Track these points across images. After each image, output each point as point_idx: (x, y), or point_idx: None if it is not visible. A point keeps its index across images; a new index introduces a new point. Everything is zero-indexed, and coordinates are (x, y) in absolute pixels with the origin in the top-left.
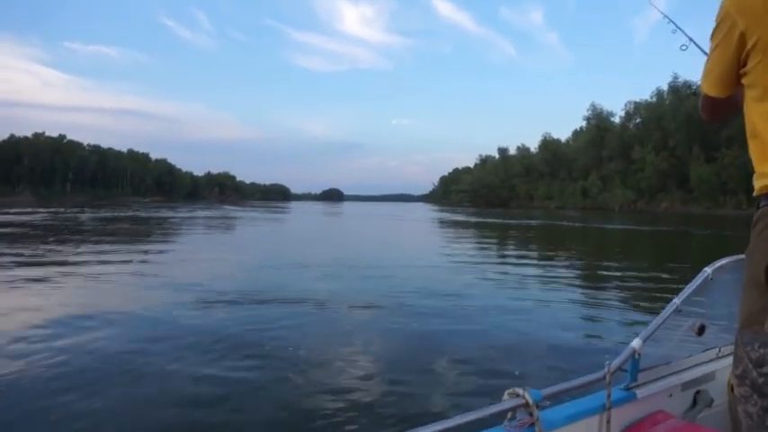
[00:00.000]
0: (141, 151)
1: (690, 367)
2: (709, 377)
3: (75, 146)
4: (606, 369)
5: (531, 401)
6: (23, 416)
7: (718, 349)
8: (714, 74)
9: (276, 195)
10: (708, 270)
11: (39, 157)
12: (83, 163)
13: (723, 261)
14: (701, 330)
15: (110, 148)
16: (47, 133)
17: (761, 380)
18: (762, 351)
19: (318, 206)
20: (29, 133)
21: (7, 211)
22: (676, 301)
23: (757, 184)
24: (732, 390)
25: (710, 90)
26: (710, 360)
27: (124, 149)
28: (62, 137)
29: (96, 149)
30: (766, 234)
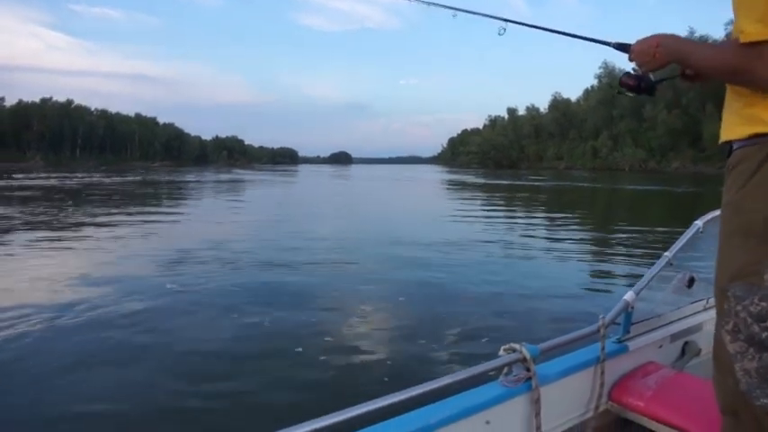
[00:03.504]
0: (149, 115)
1: (679, 319)
2: (696, 328)
3: (83, 111)
4: (600, 322)
5: (528, 356)
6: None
7: (705, 300)
8: None
9: (284, 159)
10: (698, 223)
11: (47, 122)
12: (91, 128)
13: (714, 213)
14: (691, 282)
15: (117, 113)
16: (54, 98)
17: (765, 334)
18: (763, 304)
19: (327, 169)
20: (36, 98)
21: (27, 175)
22: (668, 254)
23: (731, 129)
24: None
25: None
26: (698, 312)
27: (131, 114)
28: (70, 102)
29: (104, 114)
30: (760, 177)
